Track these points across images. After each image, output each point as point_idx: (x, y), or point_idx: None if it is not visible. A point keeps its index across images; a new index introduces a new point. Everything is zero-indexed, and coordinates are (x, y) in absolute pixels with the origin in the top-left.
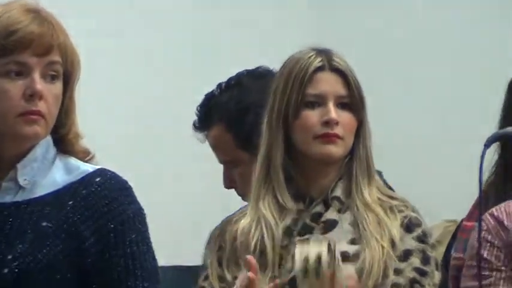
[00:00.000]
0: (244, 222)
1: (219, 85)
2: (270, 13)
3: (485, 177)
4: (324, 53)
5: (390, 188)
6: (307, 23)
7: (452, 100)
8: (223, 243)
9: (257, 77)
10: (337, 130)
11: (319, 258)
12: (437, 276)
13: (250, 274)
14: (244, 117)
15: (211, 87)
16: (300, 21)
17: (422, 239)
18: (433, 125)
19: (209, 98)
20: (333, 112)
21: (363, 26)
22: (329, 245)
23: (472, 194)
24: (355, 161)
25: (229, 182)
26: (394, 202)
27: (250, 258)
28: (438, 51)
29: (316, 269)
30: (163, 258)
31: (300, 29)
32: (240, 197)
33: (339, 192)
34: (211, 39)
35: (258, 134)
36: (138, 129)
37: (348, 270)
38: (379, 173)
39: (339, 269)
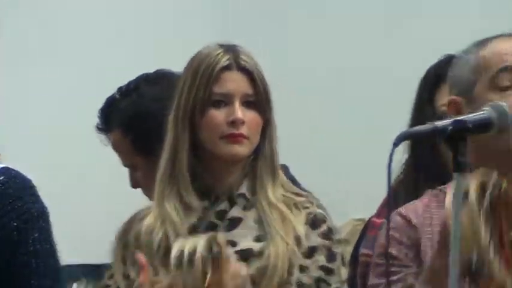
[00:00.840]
0: (148, 221)
1: (120, 89)
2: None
3: (394, 175)
4: (232, 51)
5: (296, 183)
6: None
7: (362, 98)
8: (128, 241)
9: (154, 82)
10: (243, 130)
11: (194, 251)
12: (343, 272)
13: (141, 278)
14: (141, 123)
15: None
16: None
17: (327, 235)
18: (342, 123)
19: (110, 102)
20: (239, 112)
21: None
22: (213, 240)
23: (380, 192)
24: (260, 160)
25: (134, 184)
26: (299, 199)
27: (139, 256)
28: (346, 46)
29: (189, 261)
30: (72, 256)
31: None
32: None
33: (244, 189)
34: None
35: (157, 140)
36: (39, 129)
37: (237, 268)
38: (286, 168)
39: (224, 264)
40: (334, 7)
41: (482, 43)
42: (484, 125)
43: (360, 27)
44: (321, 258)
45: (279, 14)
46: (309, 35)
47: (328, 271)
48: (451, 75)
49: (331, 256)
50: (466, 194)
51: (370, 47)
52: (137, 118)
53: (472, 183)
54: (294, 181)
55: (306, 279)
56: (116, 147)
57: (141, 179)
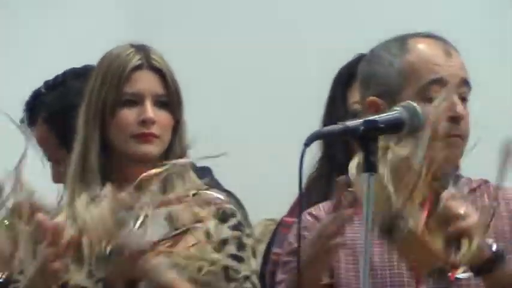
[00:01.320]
0: (59, 219)
1: (46, 82)
2: None
3: (307, 174)
4: (143, 51)
5: (219, 185)
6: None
7: (272, 98)
8: (39, 238)
9: (81, 76)
10: (154, 129)
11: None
12: (254, 263)
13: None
14: (65, 117)
15: None
16: None
17: (237, 227)
18: (254, 122)
19: (35, 95)
20: (150, 111)
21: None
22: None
23: (292, 192)
24: (171, 158)
25: (56, 178)
26: (209, 196)
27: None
28: (257, 46)
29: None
30: None
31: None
32: None
33: (155, 187)
34: None
35: None
36: None
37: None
38: (208, 170)
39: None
40: (238, 7)
41: (405, 44)
42: (395, 125)
43: (268, 27)
44: (231, 248)
45: (184, 16)
46: (215, 35)
47: (238, 259)
48: (368, 73)
49: (241, 246)
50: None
51: (278, 47)
52: (63, 112)
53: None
54: (216, 182)
55: (214, 268)
56: (41, 141)
57: (64, 174)
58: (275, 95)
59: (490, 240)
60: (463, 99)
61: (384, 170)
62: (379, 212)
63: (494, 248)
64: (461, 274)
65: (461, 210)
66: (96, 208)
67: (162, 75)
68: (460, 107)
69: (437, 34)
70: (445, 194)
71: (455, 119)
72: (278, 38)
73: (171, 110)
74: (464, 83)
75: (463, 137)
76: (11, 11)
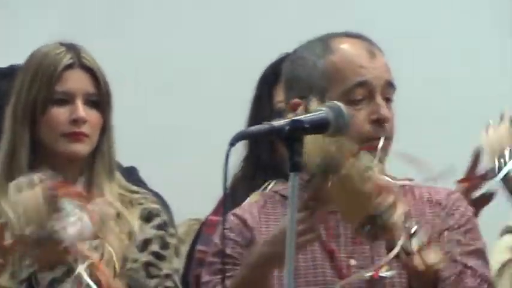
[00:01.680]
0: None
1: None
2: None
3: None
4: (73, 50)
5: (144, 184)
6: None
7: (199, 97)
8: None
9: (7, 76)
10: (85, 128)
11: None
12: (176, 262)
13: None
14: None
15: None
16: None
17: (161, 227)
18: (180, 122)
19: None
20: (82, 110)
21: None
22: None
23: (217, 191)
24: (98, 158)
25: None
26: (135, 196)
27: None
28: (190, 47)
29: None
30: None
31: None
32: None
33: (80, 187)
34: None
35: None
36: None
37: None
38: (134, 169)
39: None
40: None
41: (328, 44)
42: (321, 125)
43: (205, 28)
44: (154, 247)
45: (123, 15)
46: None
47: (160, 257)
48: (291, 73)
49: (164, 244)
50: None
51: (213, 47)
52: None
53: None
54: (141, 182)
55: (135, 265)
56: None
57: None
58: (202, 95)
59: (411, 223)
60: (388, 100)
61: None
62: (317, 158)
63: (413, 229)
64: (385, 273)
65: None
66: (28, 192)
67: (93, 74)
68: (384, 110)
69: (361, 34)
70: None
71: (380, 122)
72: (209, 37)
73: (101, 109)
74: (389, 84)
75: (387, 139)
76: (11, 11)
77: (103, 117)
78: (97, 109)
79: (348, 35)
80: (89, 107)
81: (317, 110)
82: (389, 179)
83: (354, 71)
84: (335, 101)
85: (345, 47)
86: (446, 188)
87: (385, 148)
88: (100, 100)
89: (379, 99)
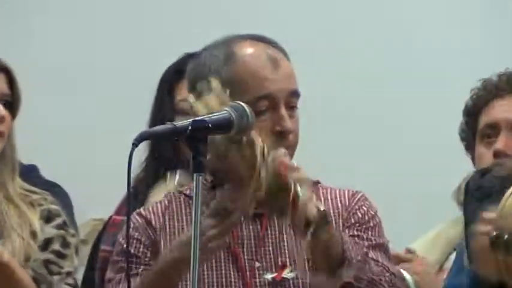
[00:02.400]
0: None
1: None
2: None
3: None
4: None
5: (46, 182)
6: None
7: (105, 98)
8: None
9: None
10: (3, 127)
11: None
12: (76, 261)
13: None
14: None
15: None
16: None
17: (62, 226)
18: (83, 121)
19: None
20: (2, 109)
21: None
22: None
23: (121, 191)
24: (1, 157)
25: None
26: (35, 196)
27: None
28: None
29: None
30: None
31: None
32: None
33: None
34: None
35: None
36: None
37: None
38: (34, 167)
39: None
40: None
41: (232, 51)
42: (224, 125)
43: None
44: (55, 246)
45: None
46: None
47: (61, 255)
48: (194, 79)
49: (65, 244)
50: None
51: (113, 46)
52: None
53: None
54: (42, 179)
55: (37, 263)
56: None
57: None
58: (105, 95)
59: (318, 203)
60: (292, 108)
61: None
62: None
63: (321, 208)
64: (288, 274)
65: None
66: None
67: (9, 75)
68: (287, 122)
69: (265, 37)
70: (276, 153)
71: (282, 134)
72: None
73: (13, 109)
74: (293, 94)
75: (291, 148)
76: (11, 11)
77: (12, 116)
78: (9, 109)
79: (253, 38)
80: (4, 107)
81: (220, 110)
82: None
83: (257, 83)
84: (239, 101)
85: (248, 56)
86: (350, 189)
87: (292, 155)
88: (13, 100)
89: (282, 111)
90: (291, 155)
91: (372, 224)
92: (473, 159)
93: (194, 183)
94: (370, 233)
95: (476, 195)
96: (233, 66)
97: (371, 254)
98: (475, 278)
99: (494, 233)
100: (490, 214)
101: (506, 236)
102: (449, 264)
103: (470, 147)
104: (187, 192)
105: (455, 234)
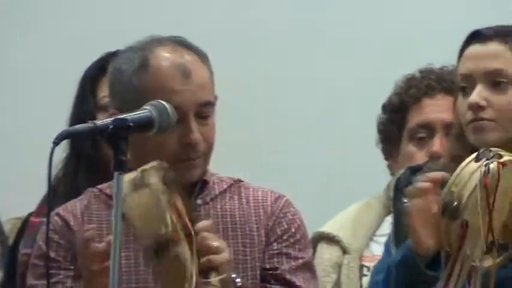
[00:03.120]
0: None
1: None
2: None
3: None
4: None
5: None
6: None
7: (21, 97)
8: None
9: None
10: None
11: None
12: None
13: None
14: None
15: None
16: None
17: None
18: (2, 121)
19: None
20: None
21: None
22: None
23: (41, 190)
24: None
25: None
26: None
27: None
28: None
29: None
30: None
31: None
32: None
33: None
34: None
35: None
36: None
37: None
38: None
39: None
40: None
41: (146, 57)
42: (145, 124)
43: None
44: None
45: None
46: None
47: None
48: (111, 82)
49: None
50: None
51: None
52: None
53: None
54: None
55: None
56: None
57: None
58: (23, 94)
59: (234, 275)
60: (206, 118)
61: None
62: (150, 232)
63: (238, 283)
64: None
65: (216, 244)
66: None
67: None
68: (195, 134)
69: (186, 41)
70: (200, 224)
71: (192, 145)
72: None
73: None
74: (203, 105)
75: (203, 157)
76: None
77: None
78: None
79: (172, 42)
80: None
81: (142, 109)
82: (216, 179)
83: (166, 95)
84: (160, 100)
85: (160, 66)
86: (274, 192)
87: (197, 166)
88: None
89: (191, 123)
90: (206, 162)
91: (298, 237)
92: (385, 152)
93: (115, 181)
94: (297, 247)
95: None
96: (144, 76)
97: (297, 278)
98: (408, 252)
99: (445, 200)
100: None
101: (455, 203)
102: (368, 251)
103: (389, 142)
104: (108, 191)
105: (373, 220)
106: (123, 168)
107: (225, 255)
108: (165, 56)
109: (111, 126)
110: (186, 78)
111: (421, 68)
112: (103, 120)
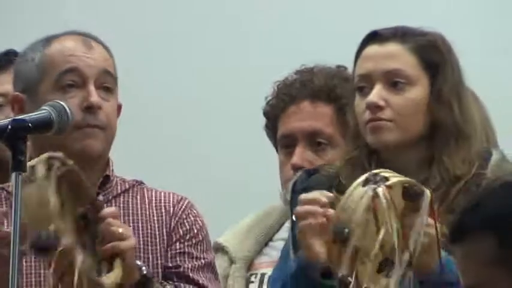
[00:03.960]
0: None
1: None
2: None
3: None
4: None
5: None
6: None
7: None
8: None
9: None
10: None
11: None
12: None
13: None
14: None
15: None
16: None
17: None
18: None
19: None
20: None
21: None
22: None
23: None
24: None
25: None
26: None
27: None
28: None
29: None
30: None
31: None
32: None
33: None
34: None
35: None
36: None
37: None
38: None
39: None
40: None
41: (48, 41)
42: (44, 124)
43: None
44: None
45: None
46: None
47: None
48: (15, 69)
49: None
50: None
51: None
52: None
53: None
54: None
55: None
56: None
57: None
58: None
59: (139, 263)
60: (107, 89)
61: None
62: (36, 231)
63: (144, 271)
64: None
65: (121, 230)
66: None
67: None
68: (95, 97)
69: (85, 32)
70: (105, 211)
71: (91, 109)
72: None
73: None
74: (105, 72)
75: (101, 127)
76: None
77: None
78: None
79: (71, 32)
80: None
81: (40, 109)
82: (119, 179)
83: (65, 60)
84: (58, 100)
85: (62, 40)
86: (176, 194)
87: (97, 137)
88: None
89: (90, 87)
90: (106, 139)
91: (200, 238)
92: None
93: (13, 182)
94: (199, 248)
95: (302, 194)
96: (46, 51)
97: (200, 277)
98: (302, 263)
99: (335, 228)
100: (310, 195)
101: (345, 230)
102: (261, 259)
103: (276, 149)
104: (9, 188)
105: (271, 225)
106: (21, 168)
107: (130, 242)
108: (68, 36)
109: (9, 127)
110: (87, 48)
111: (296, 69)
112: (2, 120)
